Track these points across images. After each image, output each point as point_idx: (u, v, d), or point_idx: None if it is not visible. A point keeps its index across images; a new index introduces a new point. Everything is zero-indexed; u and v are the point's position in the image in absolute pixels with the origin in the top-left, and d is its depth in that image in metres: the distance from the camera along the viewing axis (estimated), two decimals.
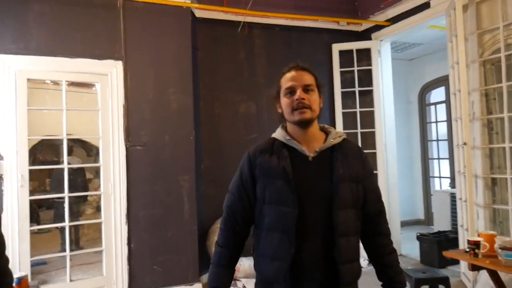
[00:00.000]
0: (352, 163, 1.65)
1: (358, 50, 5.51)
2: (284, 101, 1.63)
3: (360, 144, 5.37)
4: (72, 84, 4.28)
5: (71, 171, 4.02)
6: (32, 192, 5.27)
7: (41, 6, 3.85)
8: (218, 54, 5.07)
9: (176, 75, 4.35)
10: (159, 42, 4.30)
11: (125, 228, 4.01)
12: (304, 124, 1.60)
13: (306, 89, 1.61)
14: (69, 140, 5.26)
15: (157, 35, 4.30)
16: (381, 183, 5.26)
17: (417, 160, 7.46)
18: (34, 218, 6.49)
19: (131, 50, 4.17)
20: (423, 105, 7.44)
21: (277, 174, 1.57)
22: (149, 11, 4.26)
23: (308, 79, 1.63)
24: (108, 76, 4.06)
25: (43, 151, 7.32)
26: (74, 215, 5.42)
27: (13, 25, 3.75)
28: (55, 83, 4.16)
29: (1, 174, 3.59)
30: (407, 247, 5.42)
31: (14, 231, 3.61)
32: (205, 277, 4.53)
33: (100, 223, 4.03)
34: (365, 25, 5.63)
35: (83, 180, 5.84)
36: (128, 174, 4.07)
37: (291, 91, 1.61)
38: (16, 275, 2.75)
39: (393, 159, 5.42)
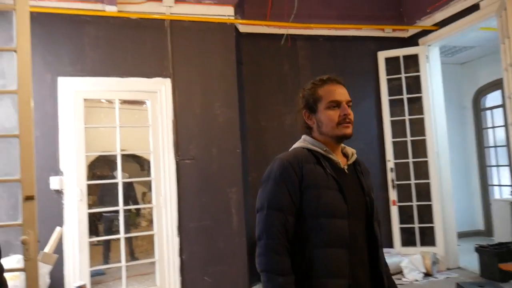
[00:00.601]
0: (367, 178, 1.68)
1: (405, 57, 5.38)
2: (327, 113, 1.60)
3: (411, 153, 5.25)
4: (124, 102, 4.49)
5: (124, 185, 4.17)
6: (90, 206, 5.57)
7: (95, 30, 4.11)
8: (263, 67, 5.14)
9: (222, 89, 4.46)
10: (205, 58, 4.44)
11: (176, 240, 4.12)
12: (345, 139, 1.61)
13: (348, 104, 1.62)
14: (123, 155, 5.51)
15: (203, 52, 4.44)
16: (434, 193, 5.07)
17: (474, 168, 7.09)
18: (93, 230, 6.83)
19: (178, 67, 4.33)
20: (478, 110, 7.10)
21: (329, 185, 1.52)
22: (195, 29, 4.42)
23: (348, 95, 1.64)
24: (158, 93, 4.23)
25: (100, 167, 7.69)
26: (128, 228, 5.65)
27: (71, 49, 4.02)
28: (109, 101, 4.37)
29: (62, 189, 3.82)
30: (465, 260, 5.15)
31: (74, 243, 3.81)
32: None
33: (153, 235, 4.17)
34: (411, 31, 5.50)
35: (134, 194, 6.08)
36: (178, 187, 4.19)
37: (336, 104, 1.60)
38: (76, 284, 2.92)
39: (446, 168, 5.20)
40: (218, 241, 4.24)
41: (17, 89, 2.47)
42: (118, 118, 4.10)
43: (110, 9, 4.13)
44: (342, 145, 1.69)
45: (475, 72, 7.05)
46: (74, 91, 3.95)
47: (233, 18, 4.58)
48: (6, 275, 3.23)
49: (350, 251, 1.47)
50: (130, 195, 5.91)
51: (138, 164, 7.95)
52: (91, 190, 6.99)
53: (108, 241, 5.87)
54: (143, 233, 5.51)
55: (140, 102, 4.67)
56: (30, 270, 2.42)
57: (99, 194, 6.23)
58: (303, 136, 1.69)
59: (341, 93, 1.61)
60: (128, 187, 5.87)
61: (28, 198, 2.48)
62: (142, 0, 4.29)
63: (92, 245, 6.27)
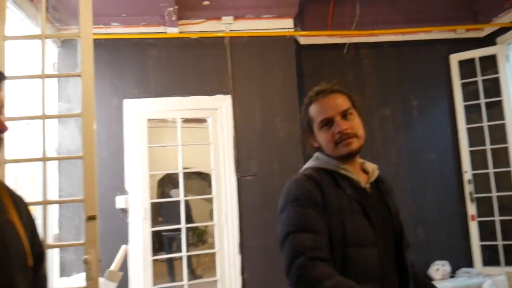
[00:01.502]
0: (393, 198, 1.44)
1: (481, 58, 4.93)
2: (322, 136, 1.40)
3: (491, 162, 4.77)
4: (187, 120, 4.56)
5: (175, 204, 4.21)
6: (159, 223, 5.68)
7: (158, 52, 4.23)
8: (325, 79, 4.82)
9: (282, 103, 4.37)
10: (265, 73, 4.39)
11: (238, 258, 4.06)
12: (353, 155, 1.39)
13: (345, 114, 1.38)
14: (188, 173, 5.58)
15: (263, 67, 4.40)
16: None
17: None
18: (161, 247, 6.98)
19: (238, 83, 4.31)
20: None
21: (353, 209, 1.30)
22: (254, 45, 4.39)
23: (343, 102, 1.40)
24: (218, 110, 4.24)
25: (167, 183, 7.92)
26: (194, 245, 5.69)
27: (135, 72, 4.17)
28: (172, 121, 4.46)
29: (127, 208, 3.93)
30: None
31: (138, 261, 3.88)
32: None
33: (214, 253, 4.14)
34: (487, 30, 5.03)
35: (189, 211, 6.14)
36: (239, 204, 4.14)
37: (327, 122, 1.38)
38: None
39: None
40: (281, 260, 4.09)
41: (81, 113, 2.58)
42: (180, 137, 4.16)
43: (172, 31, 4.24)
44: (361, 160, 1.47)
45: None
46: (138, 112, 4.08)
47: (293, 30, 4.50)
48: None
49: (383, 285, 1.25)
50: (187, 213, 5.98)
51: (205, 181, 8.07)
52: (159, 208, 7.20)
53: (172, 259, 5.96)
54: (205, 251, 5.51)
55: (201, 120, 4.72)
56: None
57: (163, 213, 6.38)
58: (316, 154, 1.47)
59: (331, 106, 1.39)
60: (186, 204, 5.95)
61: (90, 218, 2.54)
62: (202, 19, 4.36)
63: (157, 262, 6.45)
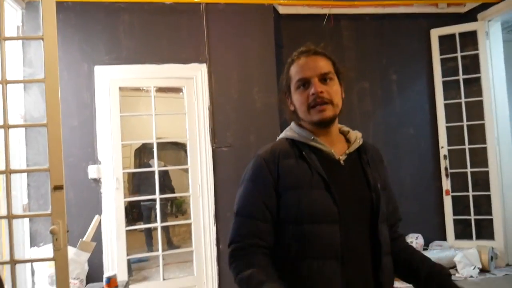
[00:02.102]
0: (380, 168, 1.37)
1: (461, 34, 4.92)
2: (296, 96, 1.33)
3: (467, 138, 4.83)
4: (161, 90, 4.44)
5: (152, 174, 4.15)
6: (136, 194, 5.61)
7: (130, 16, 4.05)
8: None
9: (260, 74, 4.28)
10: (242, 42, 4.27)
11: (213, 229, 4.04)
12: (326, 124, 1.31)
13: (324, 78, 1.30)
14: (165, 143, 5.48)
15: (240, 35, 4.27)
16: (493, 182, 4.64)
17: None
18: (138, 218, 6.95)
19: (214, 52, 4.19)
20: None
21: (313, 184, 1.24)
22: (231, 12, 4.26)
23: (325, 65, 1.32)
24: (193, 79, 4.13)
25: (146, 153, 7.82)
26: (164, 216, 5.66)
27: (106, 38, 4.00)
28: (147, 90, 4.34)
29: (99, 178, 3.84)
30: None
31: (112, 231, 3.83)
32: None
33: (189, 224, 4.12)
34: (468, 5, 5.00)
35: (169, 182, 6.10)
36: (215, 175, 4.10)
37: (304, 83, 1.31)
38: (106, 274, 2.91)
39: (508, 155, 4.72)
40: None
41: (44, 78, 2.45)
42: (154, 106, 4.05)
43: None
44: (346, 128, 1.41)
45: None
46: (109, 79, 3.93)
47: None
48: (40, 264, 3.28)
49: (344, 263, 1.20)
50: (165, 184, 5.93)
51: (183, 151, 8.00)
52: (136, 177, 7.12)
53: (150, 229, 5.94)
54: (180, 222, 5.50)
55: (177, 90, 4.60)
56: (59, 260, 2.41)
57: (142, 183, 6.33)
58: (291, 124, 1.41)
59: (310, 66, 1.31)
60: (164, 175, 5.90)
61: (57, 188, 2.45)
62: None
63: (135, 232, 6.40)
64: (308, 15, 4.83)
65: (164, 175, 5.94)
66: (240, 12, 4.27)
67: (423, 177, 4.92)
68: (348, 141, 1.38)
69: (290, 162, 1.29)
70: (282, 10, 4.73)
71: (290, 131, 1.38)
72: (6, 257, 2.65)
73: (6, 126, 2.46)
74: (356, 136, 1.37)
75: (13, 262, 2.43)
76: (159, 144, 4.11)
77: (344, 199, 1.24)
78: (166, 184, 6.03)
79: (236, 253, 1.28)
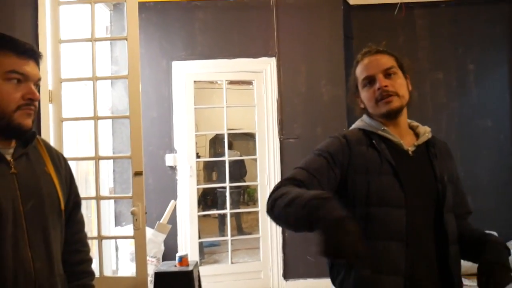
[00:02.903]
0: (448, 162, 1.42)
1: None
2: (364, 94, 1.42)
3: None
4: (233, 82, 4.65)
5: (232, 163, 4.36)
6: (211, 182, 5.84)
7: (204, 14, 4.29)
8: (375, 41, 4.68)
9: (327, 67, 4.32)
10: (311, 35, 4.33)
11: None
12: (394, 115, 1.38)
13: (388, 73, 1.37)
14: (237, 134, 5.71)
15: (308, 29, 4.33)
16: None
17: None
18: (212, 204, 7.32)
19: (283, 46, 4.30)
20: None
21: (382, 170, 1.32)
22: (301, 6, 4.33)
23: (387, 61, 1.39)
24: (263, 73, 4.29)
25: (219, 144, 8.17)
26: (235, 204, 5.90)
27: (183, 34, 4.28)
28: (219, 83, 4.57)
29: (175, 166, 4.15)
30: None
31: (186, 215, 4.13)
32: None
33: (257, 212, 4.31)
34: None
35: (244, 171, 6.30)
36: (282, 166, 4.23)
37: (370, 80, 1.39)
38: (178, 254, 3.18)
39: None
40: None
41: (127, 75, 2.74)
42: (226, 99, 4.27)
43: None
44: (415, 123, 1.47)
45: None
46: (185, 74, 4.21)
47: None
48: (123, 241, 3.64)
49: (409, 245, 1.27)
50: (241, 172, 6.15)
51: (254, 142, 8.23)
52: (211, 166, 7.47)
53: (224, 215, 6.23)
54: (249, 210, 5.72)
55: (248, 82, 4.78)
56: (138, 238, 2.70)
57: (217, 171, 6.63)
58: (363, 116, 1.49)
59: (374, 65, 1.38)
60: (240, 164, 6.13)
61: (137, 174, 2.73)
62: None
63: (211, 217, 6.72)
64: (380, 4, 4.73)
65: (241, 164, 6.19)
66: (309, 5, 4.33)
67: (502, 171, 4.64)
68: (417, 135, 1.45)
69: (362, 149, 1.37)
70: (352, 0, 4.69)
71: (362, 122, 1.48)
72: (94, 234, 3.00)
73: (96, 118, 2.78)
74: (425, 130, 1.44)
75: (100, 238, 2.76)
76: (231, 134, 4.32)
77: (411, 187, 1.31)
78: (242, 173, 6.26)
79: (276, 187, 1.29)
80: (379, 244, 1.29)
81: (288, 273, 4.18)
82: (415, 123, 1.48)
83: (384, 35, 4.77)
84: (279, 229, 4.19)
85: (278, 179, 4.20)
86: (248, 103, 4.45)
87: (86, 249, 1.49)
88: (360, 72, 1.44)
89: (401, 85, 1.39)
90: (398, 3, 4.65)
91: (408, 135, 1.44)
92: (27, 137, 1.25)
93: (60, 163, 1.38)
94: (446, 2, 4.73)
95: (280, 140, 4.25)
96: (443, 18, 4.76)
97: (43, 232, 1.23)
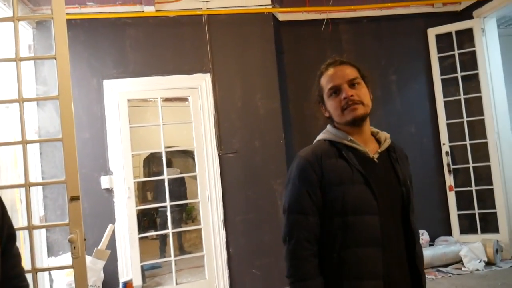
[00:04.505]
0: (406, 165, 1.53)
1: (457, 32, 5.02)
2: (330, 103, 1.49)
3: (467, 134, 4.92)
4: (167, 99, 4.58)
5: (172, 181, 4.28)
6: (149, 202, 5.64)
7: (136, 31, 4.21)
8: (304, 55, 5.00)
9: (262, 81, 4.41)
10: (244, 50, 4.41)
11: (223, 233, 4.17)
12: (359, 122, 1.46)
13: (352, 83, 1.46)
14: (168, 152, 5.61)
15: (242, 44, 4.41)
16: (496, 176, 4.72)
17: None
18: (151, 225, 7.09)
19: (217, 62, 4.33)
20: None
21: (354, 180, 1.39)
22: (232, 22, 4.40)
23: (351, 72, 1.48)
24: (198, 89, 4.28)
25: (155, 163, 7.96)
26: (176, 223, 5.78)
27: (113, 52, 4.16)
28: (154, 100, 4.47)
29: (112, 188, 3.98)
30: None
31: (125, 239, 3.97)
32: None
33: (200, 229, 4.24)
34: (464, 4, 5.10)
35: (184, 188, 6.20)
36: (222, 181, 4.22)
37: (335, 90, 1.47)
38: (123, 279, 3.04)
39: (509, 149, 4.80)
40: (265, 234, 4.23)
41: (58, 95, 2.59)
42: (162, 116, 4.19)
43: (148, 10, 4.22)
44: (375, 130, 1.56)
45: None
46: (118, 92, 4.09)
47: (270, 7, 4.50)
48: (58, 272, 3.40)
49: (384, 250, 1.35)
50: (180, 190, 6.04)
51: (192, 159, 8.13)
52: (148, 186, 7.24)
53: (165, 235, 6.05)
54: (190, 228, 5.63)
55: (183, 99, 4.74)
56: (78, 267, 2.53)
57: (155, 190, 6.45)
58: (327, 126, 1.57)
59: (339, 75, 1.47)
60: (180, 182, 6.02)
61: (74, 199, 2.58)
62: None
63: (150, 239, 6.50)
64: (307, 20, 4.96)
65: (181, 182, 6.07)
66: (241, 22, 4.41)
67: (426, 174, 5.01)
68: (378, 141, 1.54)
69: (332, 161, 1.44)
70: (281, 17, 4.86)
71: (327, 133, 1.54)
72: (27, 267, 2.78)
73: (25, 142, 2.60)
74: (386, 137, 1.53)
75: (34, 271, 2.56)
76: (169, 152, 4.23)
77: (381, 193, 1.39)
78: (181, 190, 6.13)
79: (290, 255, 1.41)
80: (358, 251, 1.36)
81: None
82: (374, 130, 1.57)
83: (313, 49, 5.00)
84: (224, 245, 4.16)
85: (219, 195, 4.18)
86: (185, 119, 4.40)
87: (25, 283, 1.39)
88: (326, 82, 1.50)
89: (365, 94, 1.47)
90: (324, 19, 4.91)
91: (371, 142, 1.52)
92: None
93: None
94: (368, 18, 5.07)
95: (219, 155, 4.25)
96: (366, 33, 5.09)
97: None
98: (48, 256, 3.80)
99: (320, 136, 1.56)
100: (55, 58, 2.58)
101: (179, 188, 5.93)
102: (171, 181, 4.29)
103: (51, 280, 3.72)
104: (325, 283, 1.38)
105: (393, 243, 1.39)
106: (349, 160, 1.42)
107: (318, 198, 1.41)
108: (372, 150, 1.48)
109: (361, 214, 1.37)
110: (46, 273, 3.71)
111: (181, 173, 5.73)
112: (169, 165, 6.18)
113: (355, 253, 1.36)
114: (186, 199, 5.89)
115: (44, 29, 3.94)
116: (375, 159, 1.46)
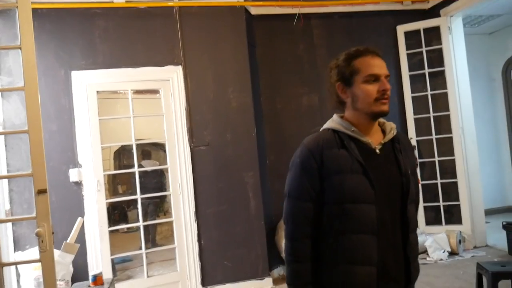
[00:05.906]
0: (410, 156, 1.57)
1: (425, 30, 5.16)
2: (365, 88, 1.46)
3: (434, 129, 5.07)
4: (139, 92, 4.53)
5: (148, 174, 4.25)
6: (120, 195, 5.59)
7: (105, 22, 4.13)
8: (277, 49, 5.04)
9: (234, 74, 4.42)
10: (216, 43, 4.40)
11: (194, 226, 4.18)
12: (381, 117, 1.50)
13: (387, 79, 1.49)
14: (145, 144, 5.57)
15: (214, 37, 4.40)
16: (459, 169, 4.90)
17: (505, 142, 6.79)
18: (123, 218, 7.03)
19: (189, 54, 4.31)
20: (509, 82, 6.74)
21: (352, 169, 1.43)
22: (204, 15, 4.37)
23: (387, 68, 1.50)
24: (170, 81, 4.25)
25: (125, 155, 7.86)
26: (150, 215, 5.75)
27: (81, 43, 4.07)
28: (124, 92, 4.41)
29: (81, 181, 3.92)
30: (494, 238, 4.97)
31: (95, 232, 3.92)
32: (275, 272, 4.56)
33: (171, 222, 4.24)
34: (432, 2, 5.25)
35: (161, 181, 6.15)
36: (194, 173, 4.23)
37: (375, 78, 1.46)
38: (92, 272, 3.01)
39: (472, 143, 4.99)
40: (236, 226, 4.27)
41: (23, 86, 2.53)
42: (132, 109, 4.15)
43: (119, 0, 4.14)
44: (382, 120, 1.57)
45: (504, 42, 6.68)
46: (87, 84, 4.01)
47: (242, 0, 4.50)
48: (25, 267, 3.34)
49: (379, 237, 1.41)
50: (162, 181, 6.00)
51: (163, 151, 8.07)
52: (119, 179, 7.15)
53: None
54: (162, 221, 5.61)
55: (154, 91, 4.70)
56: (46, 261, 2.49)
57: (129, 183, 6.37)
58: (333, 116, 1.59)
59: (380, 66, 1.47)
60: (160, 173, 5.98)
61: (41, 192, 2.53)
62: None
63: (122, 232, 6.44)
64: (280, 15, 4.99)
65: (161, 173, 6.03)
66: (212, 14, 4.39)
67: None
68: (383, 131, 1.57)
69: (333, 150, 1.47)
70: (253, 11, 4.87)
71: (333, 122, 1.56)
72: None
73: None
74: (391, 127, 1.56)
75: (0, 266, 2.51)
76: (145, 144, 4.20)
77: (379, 183, 1.43)
78: (163, 183, 6.08)
79: (288, 236, 1.51)
80: (353, 237, 1.42)
81: (206, 280, 4.18)
82: (381, 120, 1.58)
83: (285, 43, 5.04)
84: (195, 237, 4.18)
85: (191, 187, 4.18)
86: (156, 112, 4.37)
87: None
88: (366, 66, 1.47)
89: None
90: (296, 13, 4.95)
91: (377, 132, 1.54)
92: None
93: None
94: (340, 13, 5.14)
95: (190, 148, 4.24)
96: (338, 28, 5.16)
97: None
98: (15, 251, 3.72)
99: (326, 125, 1.59)
100: (20, 48, 2.52)
101: (160, 179, 5.90)
102: (150, 173, 4.25)
103: (18, 275, 3.65)
104: (321, 266, 1.47)
105: (389, 231, 1.44)
106: (350, 150, 1.47)
107: (317, 186, 1.47)
108: (376, 140, 1.51)
109: (358, 203, 1.42)
110: (13, 267, 3.64)
111: (160, 165, 5.69)
112: (148, 157, 6.13)
113: (350, 238, 1.42)
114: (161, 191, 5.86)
115: (8, 18, 3.82)
116: (377, 150, 1.50)
